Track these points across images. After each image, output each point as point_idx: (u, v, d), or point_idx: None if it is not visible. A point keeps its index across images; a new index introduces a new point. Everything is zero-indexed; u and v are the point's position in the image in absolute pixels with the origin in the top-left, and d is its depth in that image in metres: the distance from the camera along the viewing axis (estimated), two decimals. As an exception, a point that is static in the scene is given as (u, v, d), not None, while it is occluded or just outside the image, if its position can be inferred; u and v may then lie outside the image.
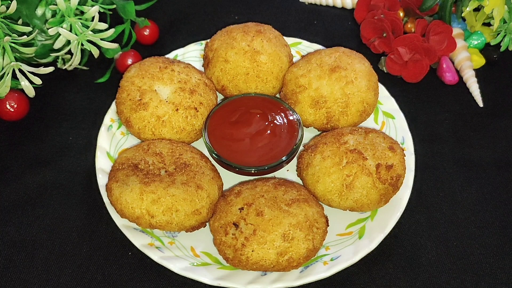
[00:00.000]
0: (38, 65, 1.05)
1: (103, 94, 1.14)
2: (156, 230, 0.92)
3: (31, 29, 1.00)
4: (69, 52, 1.07)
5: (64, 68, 1.12)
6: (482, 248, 0.95)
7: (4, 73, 0.99)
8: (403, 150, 0.95)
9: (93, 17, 1.00)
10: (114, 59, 1.17)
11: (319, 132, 1.04)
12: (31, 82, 1.02)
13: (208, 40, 1.12)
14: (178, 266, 0.87)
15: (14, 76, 1.02)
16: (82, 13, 1.03)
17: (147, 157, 0.94)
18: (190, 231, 0.91)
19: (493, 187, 1.03)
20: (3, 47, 0.98)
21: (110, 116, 1.05)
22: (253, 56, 1.04)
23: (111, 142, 1.03)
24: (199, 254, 0.91)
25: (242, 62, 1.04)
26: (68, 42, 1.03)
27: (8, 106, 1.06)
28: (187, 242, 0.92)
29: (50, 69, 1.02)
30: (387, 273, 0.92)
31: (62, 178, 1.02)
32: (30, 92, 1.04)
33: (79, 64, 1.14)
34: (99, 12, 1.02)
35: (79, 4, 1.01)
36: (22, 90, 1.05)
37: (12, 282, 0.90)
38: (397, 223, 0.93)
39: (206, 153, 1.00)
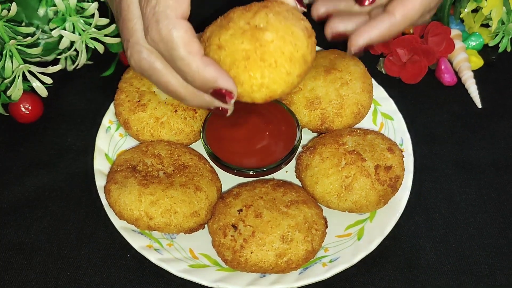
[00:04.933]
0: (45, 65, 1.05)
1: (101, 95, 1.13)
2: (154, 232, 0.92)
3: (35, 29, 1.00)
4: (75, 49, 1.07)
5: (72, 69, 1.12)
6: (481, 250, 0.95)
7: (15, 76, 0.99)
8: (401, 151, 0.95)
9: (93, 14, 1.00)
10: (118, 52, 1.17)
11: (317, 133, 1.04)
12: (42, 82, 1.02)
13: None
14: (176, 268, 0.87)
15: (24, 78, 1.02)
16: (83, 9, 1.02)
17: (145, 159, 0.94)
18: (189, 233, 0.91)
19: (492, 188, 1.03)
20: (10, 51, 0.98)
21: (109, 117, 1.05)
22: (253, 34, 0.78)
23: (109, 143, 1.02)
24: (198, 256, 0.90)
25: (239, 45, 0.78)
26: (73, 42, 1.03)
27: (23, 108, 1.06)
28: (186, 244, 0.92)
29: (58, 67, 1.02)
30: (386, 275, 0.92)
31: (60, 180, 1.02)
32: (43, 92, 1.04)
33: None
34: (99, 3, 1.02)
35: (78, 0, 1.01)
36: (33, 92, 1.05)
37: (10, 285, 0.90)
38: (396, 224, 0.93)
39: (205, 155, 1.00)
